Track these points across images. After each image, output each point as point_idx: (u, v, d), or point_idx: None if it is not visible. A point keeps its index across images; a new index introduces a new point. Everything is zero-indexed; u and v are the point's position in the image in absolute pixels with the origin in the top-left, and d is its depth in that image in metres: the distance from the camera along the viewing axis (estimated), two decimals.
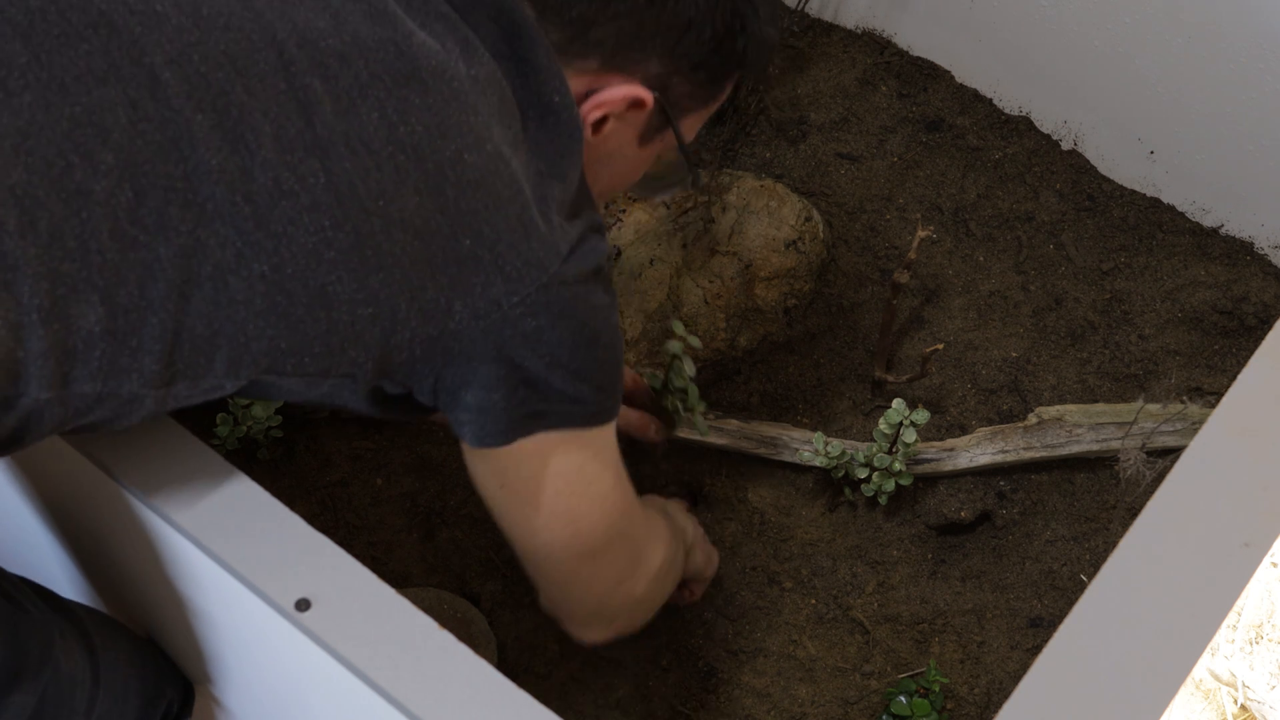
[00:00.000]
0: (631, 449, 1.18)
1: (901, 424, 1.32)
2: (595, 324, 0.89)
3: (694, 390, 1.29)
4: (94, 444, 0.91)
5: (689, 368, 1.26)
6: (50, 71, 0.73)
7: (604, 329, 0.90)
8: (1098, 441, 1.36)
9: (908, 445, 1.33)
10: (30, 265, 0.72)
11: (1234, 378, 1.01)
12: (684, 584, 1.26)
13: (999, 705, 1.06)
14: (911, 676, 1.28)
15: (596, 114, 0.96)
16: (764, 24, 1.00)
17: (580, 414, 0.91)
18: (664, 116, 1.00)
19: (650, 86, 0.96)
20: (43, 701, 0.88)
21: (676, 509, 1.26)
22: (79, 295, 0.74)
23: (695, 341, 1.27)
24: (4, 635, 0.87)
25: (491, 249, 0.84)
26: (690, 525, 1.25)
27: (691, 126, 1.04)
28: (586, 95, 0.95)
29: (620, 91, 0.95)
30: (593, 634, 1.04)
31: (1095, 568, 1.29)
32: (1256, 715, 1.43)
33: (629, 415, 1.27)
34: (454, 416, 0.90)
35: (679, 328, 1.27)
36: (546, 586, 1.01)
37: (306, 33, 0.81)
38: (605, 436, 0.95)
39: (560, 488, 0.93)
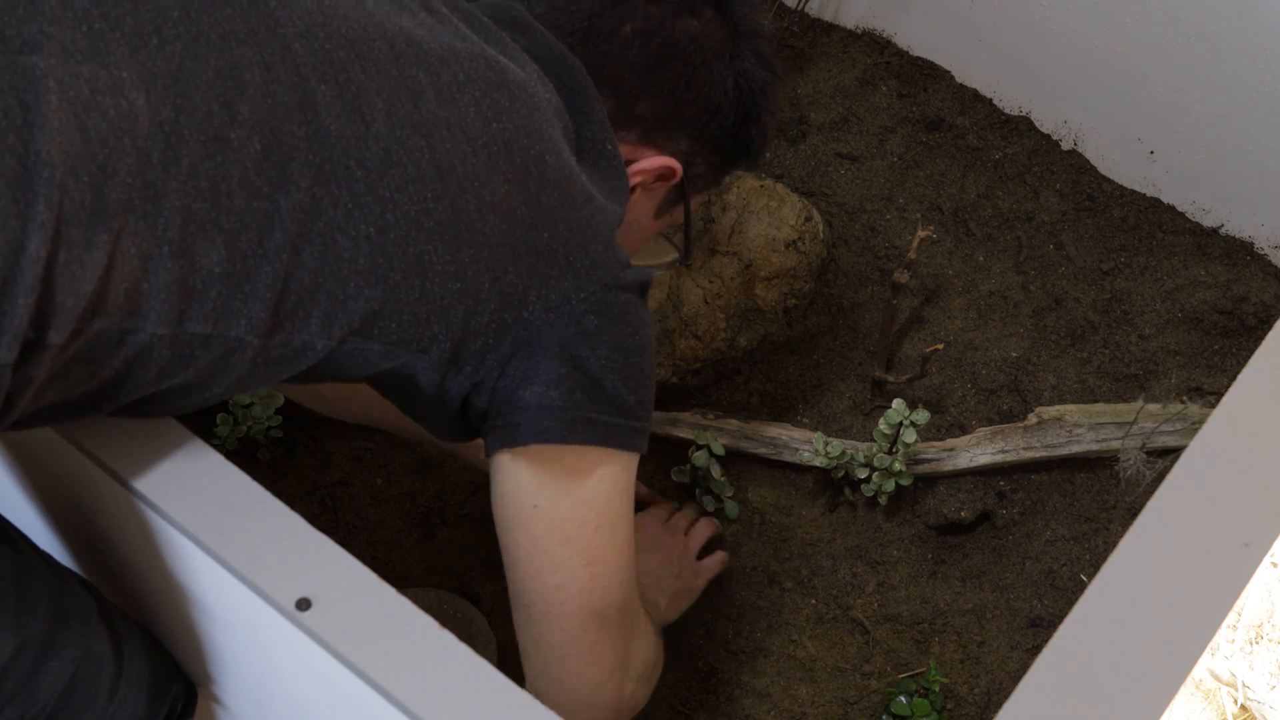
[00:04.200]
0: None
1: (901, 424, 1.32)
2: (642, 335, 0.95)
3: (724, 485, 1.39)
4: (95, 443, 0.91)
5: (717, 472, 1.37)
6: (198, 26, 0.79)
7: (647, 344, 0.96)
8: (1098, 441, 1.36)
9: (908, 445, 1.33)
10: (169, 199, 0.76)
11: (1234, 378, 1.01)
12: None
13: (999, 705, 1.06)
14: (911, 676, 1.28)
15: (633, 181, 1.05)
16: (771, 116, 1.12)
17: (623, 431, 0.95)
18: (679, 192, 1.10)
19: (679, 162, 1.07)
20: (76, 675, 0.90)
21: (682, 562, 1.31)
22: (206, 235, 0.78)
23: (719, 449, 1.37)
24: (50, 601, 0.89)
25: (565, 245, 0.91)
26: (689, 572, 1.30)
27: (693, 207, 1.15)
28: (626, 164, 1.04)
29: (657, 161, 1.06)
30: None
31: (1095, 568, 1.29)
32: (1256, 715, 1.43)
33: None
34: (506, 421, 0.93)
35: (703, 436, 1.38)
36: (544, 654, 1.00)
37: (411, 36, 0.89)
38: (631, 473, 0.98)
39: (587, 518, 0.95)
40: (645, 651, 1.06)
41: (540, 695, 1.00)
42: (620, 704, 1.03)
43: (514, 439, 0.93)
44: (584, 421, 0.92)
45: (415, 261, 0.85)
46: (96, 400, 0.82)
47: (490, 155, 0.88)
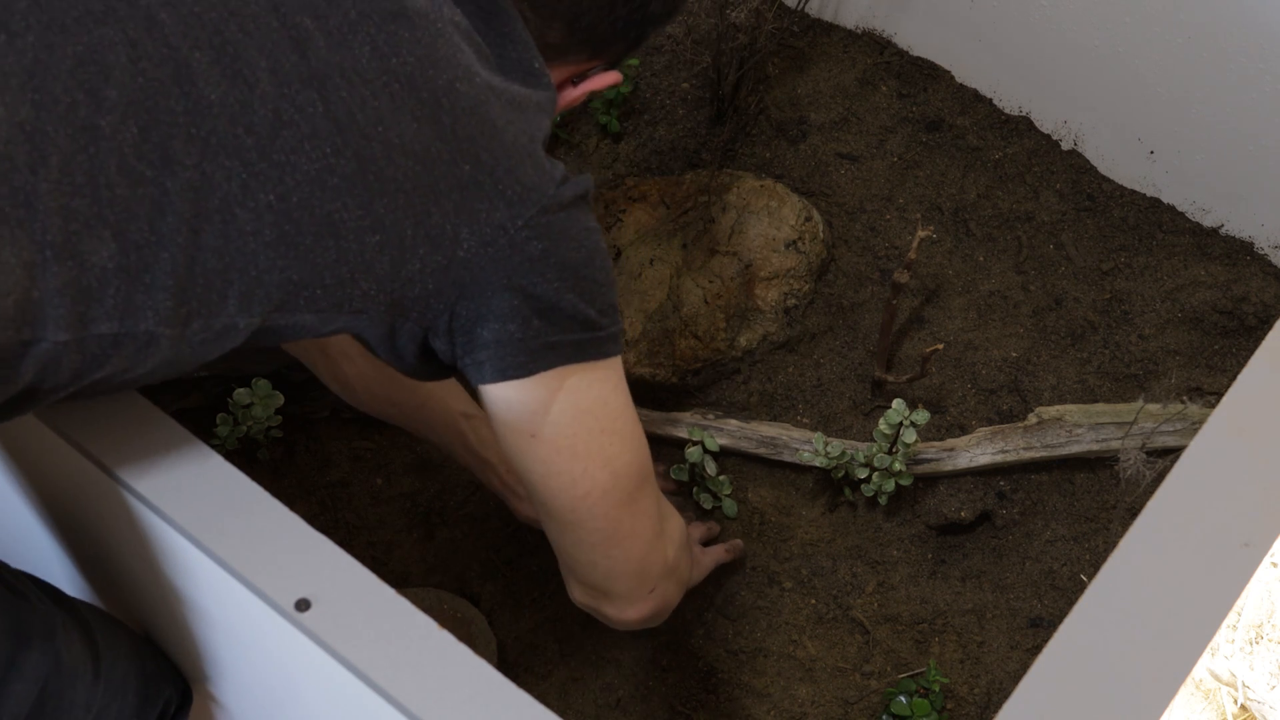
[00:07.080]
0: None
1: (901, 424, 1.32)
2: (589, 246, 0.92)
3: (720, 483, 1.39)
4: (93, 442, 0.91)
5: (713, 469, 1.37)
6: (50, 13, 0.76)
7: (597, 252, 0.93)
8: (1098, 441, 1.36)
9: (908, 445, 1.33)
10: (43, 201, 0.73)
11: (1234, 378, 1.01)
12: None
13: (999, 705, 1.06)
14: (911, 676, 1.28)
15: (582, 94, 1.05)
16: None
17: (591, 341, 0.92)
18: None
19: (614, 64, 1.07)
20: (44, 693, 0.89)
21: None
22: (91, 231, 0.75)
23: (713, 444, 1.37)
24: (5, 624, 0.87)
25: (491, 174, 0.86)
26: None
27: None
28: (578, 80, 1.05)
29: (609, 78, 1.06)
30: (636, 608, 1.04)
31: (1095, 568, 1.29)
32: (1256, 715, 1.43)
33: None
34: (472, 359, 0.90)
35: (696, 433, 1.38)
36: (588, 553, 1.00)
37: None
38: (618, 371, 0.96)
39: (590, 426, 0.94)
40: (674, 517, 1.07)
41: (596, 590, 1.03)
42: (668, 568, 1.04)
43: (481, 377, 0.91)
44: (547, 347, 0.90)
45: (325, 222, 0.81)
46: (19, 405, 0.80)
47: (392, 95, 0.83)
